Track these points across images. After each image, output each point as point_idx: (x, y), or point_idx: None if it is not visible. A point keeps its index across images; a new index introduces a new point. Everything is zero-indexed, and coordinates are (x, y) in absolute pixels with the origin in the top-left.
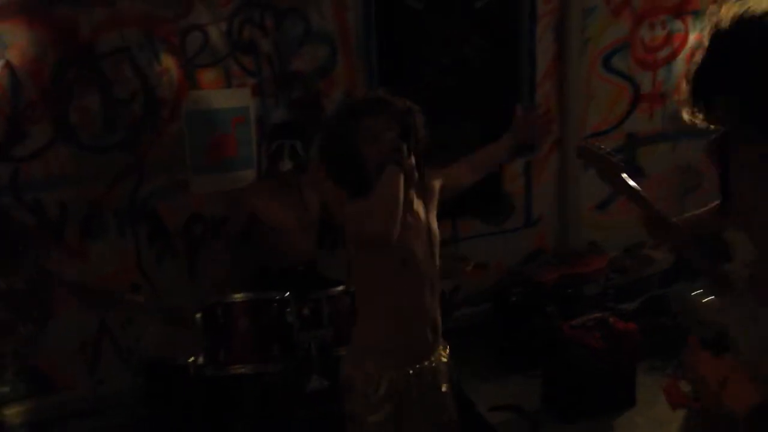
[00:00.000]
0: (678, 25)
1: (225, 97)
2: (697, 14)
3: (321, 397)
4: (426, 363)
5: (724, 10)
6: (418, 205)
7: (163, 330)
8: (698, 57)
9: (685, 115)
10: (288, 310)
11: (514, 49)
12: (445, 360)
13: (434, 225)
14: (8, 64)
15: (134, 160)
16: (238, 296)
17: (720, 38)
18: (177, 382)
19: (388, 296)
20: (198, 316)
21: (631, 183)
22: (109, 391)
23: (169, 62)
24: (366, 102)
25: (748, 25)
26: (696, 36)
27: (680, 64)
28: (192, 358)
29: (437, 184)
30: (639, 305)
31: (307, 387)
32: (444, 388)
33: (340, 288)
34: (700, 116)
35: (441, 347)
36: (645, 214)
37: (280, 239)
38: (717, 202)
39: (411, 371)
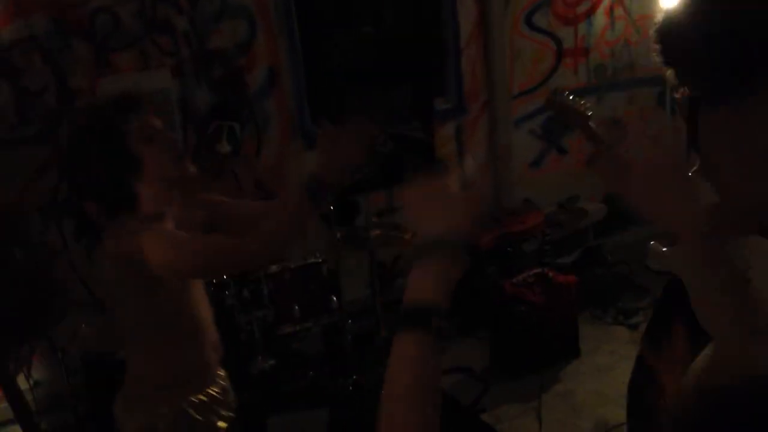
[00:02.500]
0: None
1: (143, 79)
2: None
3: (267, 377)
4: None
5: None
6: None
7: (98, 325)
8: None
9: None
10: (227, 292)
11: (437, 13)
12: (223, 383)
13: None
14: None
15: (53, 152)
16: None
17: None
18: (117, 377)
19: (162, 323)
20: None
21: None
22: (47, 393)
23: (80, 48)
24: (126, 99)
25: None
26: None
27: (600, 18)
28: None
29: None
30: (576, 258)
31: (252, 368)
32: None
33: (281, 265)
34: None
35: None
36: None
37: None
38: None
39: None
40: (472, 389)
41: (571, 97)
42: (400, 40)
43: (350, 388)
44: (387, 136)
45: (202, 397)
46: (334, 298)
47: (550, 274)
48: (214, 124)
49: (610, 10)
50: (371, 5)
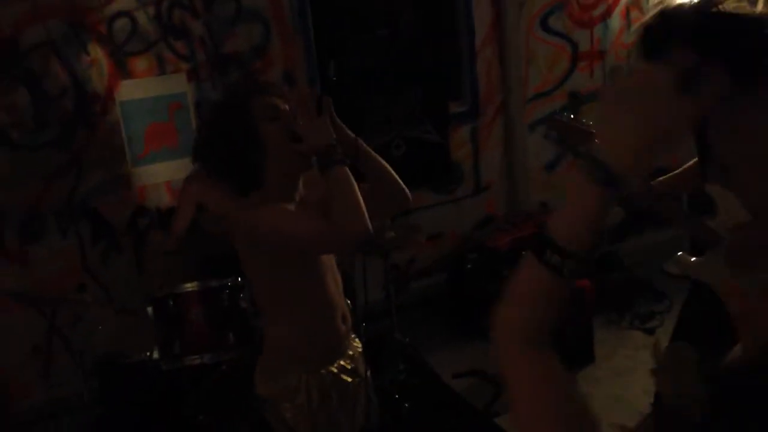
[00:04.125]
0: None
1: (160, 84)
2: None
3: None
4: (343, 359)
5: None
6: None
7: (115, 328)
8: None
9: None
10: (241, 295)
11: (452, 17)
12: (360, 350)
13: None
14: None
15: (70, 156)
16: (189, 285)
17: None
18: (132, 378)
19: (298, 297)
20: (149, 309)
21: None
22: (64, 395)
23: (97, 52)
24: (252, 82)
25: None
26: None
27: (616, 20)
28: (146, 354)
29: None
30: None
31: None
32: (359, 381)
33: None
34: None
35: (353, 338)
36: None
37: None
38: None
39: (331, 370)
40: (486, 393)
41: (571, 117)
42: (415, 44)
43: None
44: (401, 139)
45: (333, 369)
46: (348, 302)
47: None
48: None
49: (627, 13)
50: (386, 9)
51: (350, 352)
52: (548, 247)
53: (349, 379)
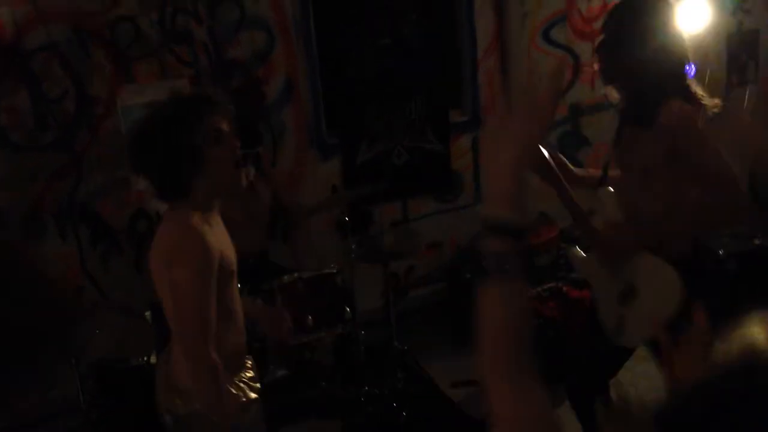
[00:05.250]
0: None
1: (161, 89)
2: None
3: (280, 386)
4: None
5: None
6: None
7: (113, 331)
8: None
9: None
10: None
11: (454, 26)
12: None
13: None
14: None
15: (71, 159)
16: None
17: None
18: (129, 383)
19: (222, 310)
20: (148, 313)
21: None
22: (59, 398)
23: (99, 57)
24: (204, 99)
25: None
26: None
27: None
28: (144, 358)
29: None
30: None
31: (265, 377)
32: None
33: (294, 275)
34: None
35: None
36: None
37: (232, 232)
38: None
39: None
40: (484, 403)
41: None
42: (418, 53)
43: (362, 399)
44: (402, 148)
45: (242, 377)
46: (348, 309)
47: (565, 288)
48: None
49: None
50: (390, 18)
51: (250, 365)
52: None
53: (257, 386)
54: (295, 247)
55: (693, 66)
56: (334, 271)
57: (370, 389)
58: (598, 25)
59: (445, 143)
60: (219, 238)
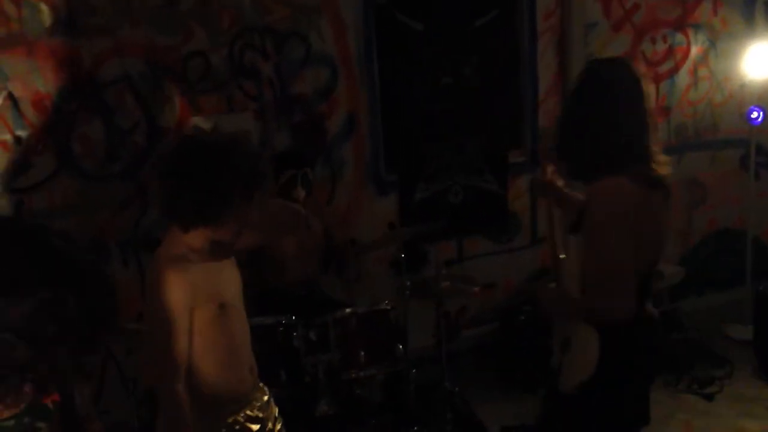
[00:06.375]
0: (679, 38)
1: (227, 122)
2: (698, 27)
3: (329, 421)
4: (249, 408)
5: None
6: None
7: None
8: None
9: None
10: (295, 334)
11: (516, 67)
12: (267, 398)
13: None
14: (10, 95)
15: (137, 189)
16: None
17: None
18: None
19: (206, 347)
20: None
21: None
22: (114, 421)
23: (170, 89)
24: (259, 173)
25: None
26: (698, 49)
27: (683, 77)
28: None
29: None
30: None
31: (315, 412)
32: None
33: (348, 310)
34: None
35: (261, 386)
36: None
37: (285, 264)
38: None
39: (237, 419)
40: None
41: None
42: (479, 92)
43: None
44: (459, 186)
45: (239, 418)
46: (400, 347)
47: None
48: (288, 173)
49: (694, 70)
50: (452, 57)
51: (257, 403)
52: None
53: (255, 427)
54: (349, 282)
55: (761, 112)
56: (388, 308)
57: (419, 429)
58: (662, 68)
59: (503, 184)
60: (208, 276)
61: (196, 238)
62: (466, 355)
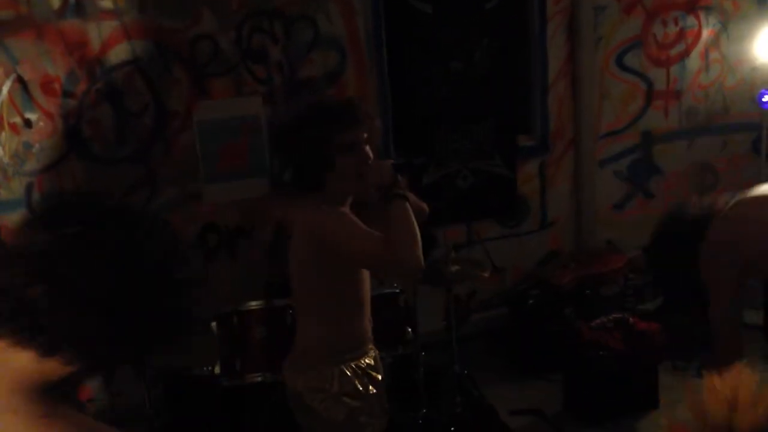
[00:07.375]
0: (691, 21)
1: (236, 105)
2: (710, 9)
3: None
4: (368, 358)
5: None
6: None
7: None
8: None
9: None
10: None
11: (526, 51)
12: (376, 354)
13: None
14: (19, 78)
15: (146, 171)
16: (254, 304)
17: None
18: (194, 392)
19: (338, 296)
20: (213, 324)
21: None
22: (126, 404)
23: (179, 73)
24: (344, 110)
25: None
26: (709, 32)
27: (694, 60)
28: (208, 368)
29: None
30: (660, 304)
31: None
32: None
33: None
34: None
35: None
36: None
37: None
38: None
39: (360, 364)
40: None
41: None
42: (488, 76)
43: (420, 422)
44: (468, 170)
45: (360, 363)
46: (409, 330)
47: (632, 320)
48: None
49: (706, 53)
50: (461, 41)
51: (372, 354)
52: None
53: (379, 376)
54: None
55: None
56: (397, 291)
57: (428, 412)
58: (673, 51)
59: (512, 168)
60: None
61: (329, 196)
62: (476, 339)
